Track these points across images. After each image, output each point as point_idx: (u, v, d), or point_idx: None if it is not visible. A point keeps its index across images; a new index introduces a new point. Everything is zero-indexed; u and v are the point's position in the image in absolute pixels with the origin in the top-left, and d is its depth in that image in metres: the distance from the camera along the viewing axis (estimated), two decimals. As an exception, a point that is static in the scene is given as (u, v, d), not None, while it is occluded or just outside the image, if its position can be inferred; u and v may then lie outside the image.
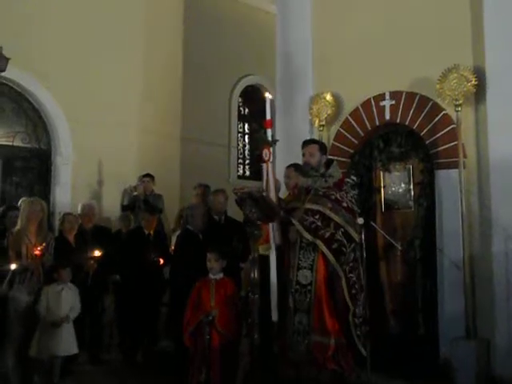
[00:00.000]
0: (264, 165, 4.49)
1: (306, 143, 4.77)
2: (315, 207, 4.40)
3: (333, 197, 4.43)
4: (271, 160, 4.44)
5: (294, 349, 4.31)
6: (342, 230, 4.33)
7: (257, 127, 4.65)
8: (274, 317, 4.39)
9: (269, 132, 4.44)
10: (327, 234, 4.31)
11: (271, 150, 4.43)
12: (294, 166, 4.97)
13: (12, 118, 8.04)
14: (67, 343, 5.09)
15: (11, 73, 7.50)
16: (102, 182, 8.42)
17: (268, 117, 4.51)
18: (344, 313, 4.26)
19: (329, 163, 4.70)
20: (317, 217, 4.36)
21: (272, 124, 4.51)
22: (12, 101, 8.04)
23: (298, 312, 4.35)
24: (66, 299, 5.13)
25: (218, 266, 4.62)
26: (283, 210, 4.46)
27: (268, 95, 4.62)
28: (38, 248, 5.15)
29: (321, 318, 4.29)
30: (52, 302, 5.07)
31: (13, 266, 4.97)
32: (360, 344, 4.30)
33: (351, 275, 4.29)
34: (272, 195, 4.39)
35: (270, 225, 4.42)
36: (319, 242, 4.31)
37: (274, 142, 4.45)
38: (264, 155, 4.43)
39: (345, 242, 4.31)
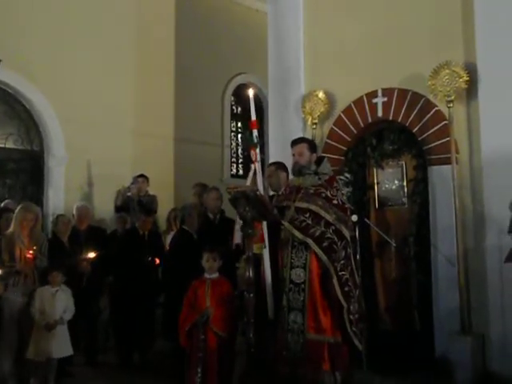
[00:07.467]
0: (252, 165, 4.51)
1: (294, 143, 4.69)
2: (305, 205, 4.37)
3: (323, 194, 4.38)
4: (258, 160, 4.45)
5: (290, 348, 4.30)
6: (333, 227, 4.27)
7: (243, 129, 4.67)
8: (271, 315, 4.37)
9: (254, 133, 4.43)
10: (317, 233, 4.27)
11: (257, 150, 4.44)
12: (277, 164, 4.97)
13: (4, 119, 8.01)
14: (61, 345, 5.06)
15: (3, 74, 7.48)
16: (96, 183, 8.39)
17: (253, 117, 4.50)
18: (338, 310, 4.25)
19: (320, 160, 4.64)
20: (307, 215, 4.32)
21: (257, 124, 4.50)
22: (4, 103, 8.00)
23: (292, 311, 4.33)
24: (60, 301, 5.11)
25: (216, 265, 4.62)
26: (275, 209, 4.45)
27: (251, 92, 4.56)
28: (30, 251, 5.14)
29: (315, 316, 4.27)
30: (46, 304, 5.04)
31: None
32: (357, 340, 4.26)
33: (343, 273, 4.25)
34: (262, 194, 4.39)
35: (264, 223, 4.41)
36: (310, 241, 4.28)
37: (258, 143, 4.45)
38: (252, 156, 4.46)
39: (336, 239, 4.26)
